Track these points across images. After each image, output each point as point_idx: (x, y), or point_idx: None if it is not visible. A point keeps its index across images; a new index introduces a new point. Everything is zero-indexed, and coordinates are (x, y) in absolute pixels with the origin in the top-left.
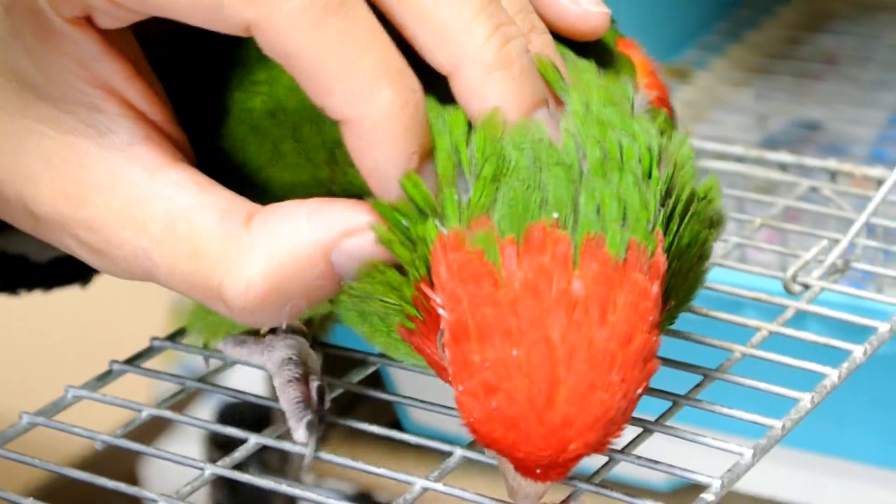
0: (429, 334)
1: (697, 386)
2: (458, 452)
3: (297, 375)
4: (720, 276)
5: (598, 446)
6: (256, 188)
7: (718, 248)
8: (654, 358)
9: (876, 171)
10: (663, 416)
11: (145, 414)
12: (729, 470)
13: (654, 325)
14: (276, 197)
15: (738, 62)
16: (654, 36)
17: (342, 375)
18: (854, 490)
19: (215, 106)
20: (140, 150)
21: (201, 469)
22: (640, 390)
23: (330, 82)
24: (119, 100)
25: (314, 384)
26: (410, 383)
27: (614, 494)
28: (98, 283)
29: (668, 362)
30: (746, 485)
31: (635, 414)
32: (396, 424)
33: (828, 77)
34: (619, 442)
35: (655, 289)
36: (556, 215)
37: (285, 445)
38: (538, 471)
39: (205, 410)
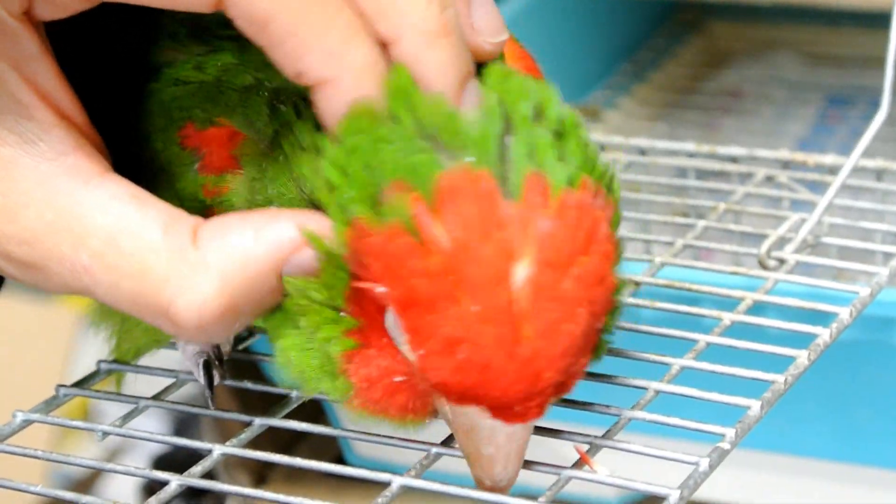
0: (376, 338)
1: (692, 350)
2: (397, 482)
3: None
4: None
5: (571, 374)
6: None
7: (688, 232)
8: (612, 281)
9: (828, 159)
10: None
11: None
12: (740, 421)
13: (611, 254)
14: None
15: (645, 100)
16: (560, 78)
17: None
18: (809, 487)
19: (123, 101)
20: (72, 160)
21: None
22: (604, 316)
23: (306, 44)
24: (50, 106)
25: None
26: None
27: None
28: None
29: (659, 334)
30: (700, 492)
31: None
32: (340, 458)
33: (734, 110)
34: (569, 459)
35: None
36: (469, 159)
37: (214, 486)
38: (517, 408)
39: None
